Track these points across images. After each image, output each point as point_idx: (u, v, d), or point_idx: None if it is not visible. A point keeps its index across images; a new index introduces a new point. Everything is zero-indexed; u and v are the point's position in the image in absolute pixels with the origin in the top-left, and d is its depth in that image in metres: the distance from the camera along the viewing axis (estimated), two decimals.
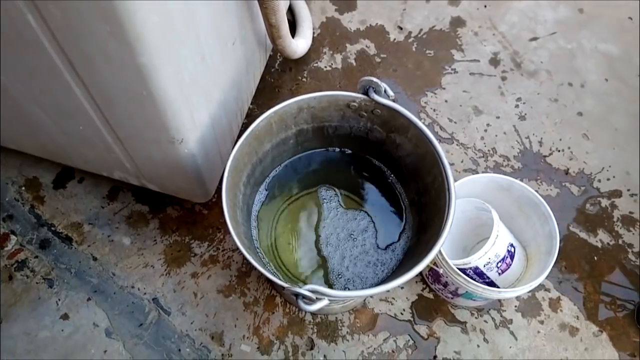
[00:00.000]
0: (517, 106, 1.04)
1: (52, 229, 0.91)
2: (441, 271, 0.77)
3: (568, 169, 0.99)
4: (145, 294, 0.87)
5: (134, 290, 0.87)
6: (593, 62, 1.09)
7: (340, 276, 0.73)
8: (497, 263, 0.79)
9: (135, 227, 0.92)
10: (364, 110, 0.72)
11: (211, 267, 0.89)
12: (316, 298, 0.57)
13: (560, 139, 1.01)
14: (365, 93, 0.70)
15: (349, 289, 0.72)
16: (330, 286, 0.72)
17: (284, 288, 0.58)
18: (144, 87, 0.54)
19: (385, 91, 0.68)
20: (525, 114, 1.03)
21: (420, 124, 0.68)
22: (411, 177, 0.75)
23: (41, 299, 0.85)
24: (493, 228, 0.77)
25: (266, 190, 0.78)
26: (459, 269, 0.77)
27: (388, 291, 0.89)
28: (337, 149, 0.81)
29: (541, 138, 1.01)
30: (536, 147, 1.01)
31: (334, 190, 0.79)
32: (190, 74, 0.61)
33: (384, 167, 0.80)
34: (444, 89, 1.06)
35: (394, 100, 0.68)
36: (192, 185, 0.78)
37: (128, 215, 0.93)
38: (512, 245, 0.81)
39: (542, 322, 0.88)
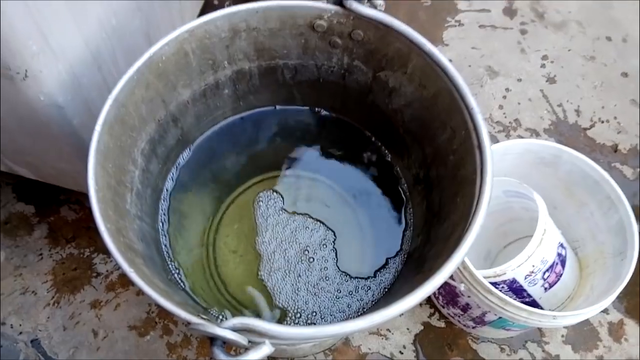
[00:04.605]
0: (543, 66, 0.80)
1: None
2: (462, 288, 0.50)
3: (617, 145, 0.75)
4: (20, 333, 0.59)
5: (5, 329, 0.59)
6: (633, 11, 0.86)
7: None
8: (544, 273, 0.52)
9: (13, 236, 0.64)
10: (337, 33, 0.46)
11: (121, 292, 0.61)
12: (249, 343, 0.30)
13: (603, 107, 0.77)
14: (339, 3, 0.43)
15: (313, 323, 0.44)
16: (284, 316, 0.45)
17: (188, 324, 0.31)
18: None
19: None
20: (555, 76, 0.79)
21: (428, 44, 0.42)
22: (413, 141, 0.49)
23: None
24: (539, 220, 0.50)
25: (189, 169, 0.50)
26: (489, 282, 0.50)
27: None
28: (302, 107, 0.54)
29: (578, 106, 0.77)
30: (572, 117, 0.76)
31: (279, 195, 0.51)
32: None
33: (371, 133, 0.53)
34: (446, 45, 0.81)
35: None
36: (73, 163, 0.51)
37: (4, 219, 0.65)
38: (562, 245, 0.54)
39: (601, 358, 0.62)
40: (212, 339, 0.30)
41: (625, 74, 0.80)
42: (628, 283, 0.63)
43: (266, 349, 0.30)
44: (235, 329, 0.29)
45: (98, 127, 0.37)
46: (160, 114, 0.45)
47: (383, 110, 0.50)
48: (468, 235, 0.35)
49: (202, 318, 0.30)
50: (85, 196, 0.63)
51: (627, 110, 0.77)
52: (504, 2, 0.84)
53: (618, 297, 0.65)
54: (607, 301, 0.49)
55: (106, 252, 0.63)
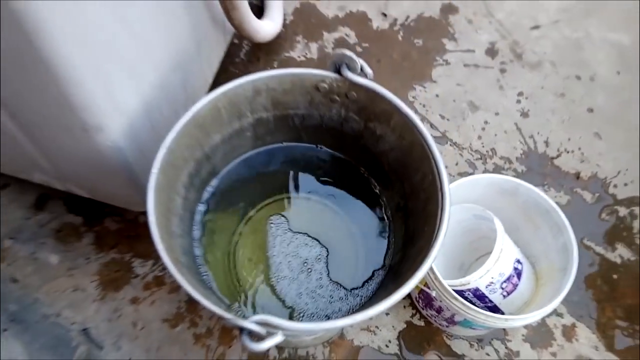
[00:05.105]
0: (518, 101, 0.91)
1: None
2: (434, 294, 0.63)
3: (579, 173, 0.85)
4: (73, 323, 0.71)
5: (60, 319, 0.71)
6: (602, 53, 0.96)
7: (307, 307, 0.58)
8: (502, 283, 0.64)
9: (65, 243, 0.76)
10: (336, 93, 0.58)
11: (155, 290, 0.73)
12: (267, 333, 0.42)
13: (569, 139, 0.88)
14: (338, 71, 0.56)
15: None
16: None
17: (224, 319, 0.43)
18: (29, 45, 0.40)
19: (362, 69, 0.54)
20: (529, 111, 0.90)
21: (405, 107, 0.54)
22: (395, 177, 0.61)
23: None
24: (497, 240, 0.62)
25: (217, 195, 0.63)
26: (455, 290, 0.62)
27: (371, 319, 0.73)
28: (307, 145, 0.67)
29: (547, 137, 0.88)
30: (542, 147, 0.87)
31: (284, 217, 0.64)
32: (105, 39, 0.47)
33: (363, 168, 0.65)
34: (434, 82, 0.92)
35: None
36: (124, 188, 0.63)
37: (57, 228, 0.77)
38: (519, 261, 0.66)
39: (554, 355, 0.73)
40: (241, 330, 0.43)
41: (590, 110, 0.91)
42: (582, 292, 0.76)
43: (279, 337, 0.42)
44: (258, 323, 0.42)
45: (155, 170, 0.50)
46: (197, 154, 0.57)
47: (372, 152, 0.62)
48: (430, 256, 0.47)
49: (234, 315, 0.43)
50: (124, 210, 0.76)
51: (590, 142, 0.88)
52: (487, 43, 0.96)
53: (572, 304, 0.77)
54: (549, 309, 0.60)
55: (143, 256, 0.76)
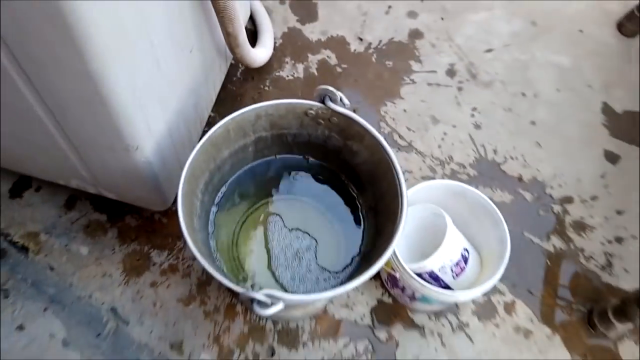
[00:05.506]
0: (472, 115, 1.08)
1: (8, 238, 0.89)
2: (398, 275, 0.79)
3: (521, 176, 1.02)
4: (103, 303, 0.86)
5: (91, 300, 0.86)
6: (545, 73, 1.14)
7: (299, 283, 0.74)
8: (452, 267, 0.81)
9: (93, 236, 0.90)
10: (321, 118, 0.74)
11: (171, 276, 0.88)
12: (271, 303, 0.58)
13: (514, 147, 1.05)
14: (322, 101, 0.71)
15: None
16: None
17: (239, 294, 0.59)
18: (95, 92, 0.54)
19: (341, 99, 0.70)
20: (481, 123, 1.07)
21: (374, 131, 0.69)
22: (368, 184, 0.77)
23: None
24: (446, 233, 0.79)
25: (224, 197, 0.78)
26: (415, 273, 0.78)
27: (348, 296, 0.90)
28: (298, 156, 0.82)
29: (496, 146, 1.05)
30: (491, 155, 1.04)
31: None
32: (144, 80, 0.61)
33: (344, 175, 0.81)
34: (402, 99, 1.08)
35: (354, 110, 0.70)
36: (150, 193, 0.78)
37: (86, 224, 0.91)
38: (466, 249, 0.83)
39: (497, 326, 0.90)
40: (252, 300, 0.58)
41: (533, 122, 1.08)
42: (519, 275, 0.92)
43: (280, 305, 0.58)
44: (266, 295, 0.57)
45: (182, 180, 0.65)
46: (211, 166, 0.73)
47: (350, 163, 0.78)
48: (391, 245, 0.63)
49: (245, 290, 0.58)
50: (142, 209, 0.91)
51: (532, 150, 1.05)
52: (447, 65, 1.13)
53: (513, 285, 0.94)
54: (486, 287, 0.77)
55: (159, 248, 0.91)
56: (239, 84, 1.06)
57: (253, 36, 1.07)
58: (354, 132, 0.73)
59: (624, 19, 1.23)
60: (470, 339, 0.88)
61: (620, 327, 0.86)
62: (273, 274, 0.75)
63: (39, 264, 0.87)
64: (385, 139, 0.69)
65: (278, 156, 0.82)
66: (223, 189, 0.78)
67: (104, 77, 0.53)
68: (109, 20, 0.49)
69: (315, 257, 0.76)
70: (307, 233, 0.78)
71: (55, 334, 0.83)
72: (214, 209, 0.77)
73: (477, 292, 0.77)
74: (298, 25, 1.14)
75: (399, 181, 0.67)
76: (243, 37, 0.80)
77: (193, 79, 0.79)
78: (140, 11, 0.55)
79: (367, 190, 0.78)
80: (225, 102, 1.02)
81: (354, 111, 0.71)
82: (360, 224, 0.79)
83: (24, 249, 0.88)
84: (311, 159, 0.82)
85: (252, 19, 1.07)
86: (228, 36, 0.78)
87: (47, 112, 0.61)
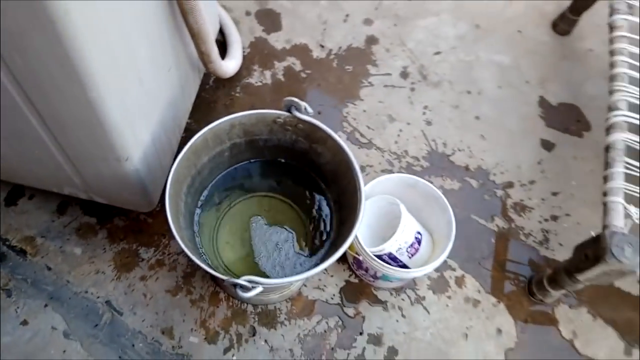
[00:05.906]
0: (424, 113, 1.20)
1: (7, 243, 0.97)
2: (361, 258, 0.91)
3: (468, 166, 1.15)
4: (98, 297, 0.95)
5: (87, 295, 0.95)
6: (488, 72, 1.27)
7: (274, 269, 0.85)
8: (407, 248, 0.93)
9: (85, 238, 0.99)
10: (288, 125, 0.84)
11: (158, 270, 0.98)
12: (252, 287, 0.68)
13: (461, 140, 1.18)
14: (289, 110, 0.82)
15: None
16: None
17: (224, 281, 0.69)
18: (93, 115, 0.64)
19: (305, 109, 0.81)
20: (431, 120, 1.19)
21: (335, 135, 0.81)
22: (332, 181, 0.88)
23: (1, 308, 0.91)
24: (401, 219, 0.91)
25: (205, 198, 0.88)
26: (375, 255, 0.90)
27: (319, 280, 1.01)
28: (269, 159, 0.93)
29: (445, 140, 1.17)
30: (441, 148, 1.17)
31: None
32: (132, 101, 0.71)
33: (313, 173, 0.92)
34: (362, 100, 1.19)
35: (318, 112, 0.81)
36: (137, 196, 0.87)
37: (77, 227, 1.00)
38: (419, 232, 0.96)
39: (449, 297, 1.03)
40: (234, 285, 0.69)
41: (477, 117, 1.21)
42: (467, 252, 1.05)
43: (259, 289, 0.68)
44: (247, 280, 0.68)
45: (168, 186, 0.74)
46: (192, 172, 0.82)
47: (316, 163, 0.89)
48: (352, 232, 0.74)
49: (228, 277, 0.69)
50: (129, 211, 1.00)
51: (477, 142, 1.18)
52: (401, 68, 1.24)
53: (462, 261, 1.07)
54: (435, 264, 0.89)
55: (146, 245, 1.00)
56: (211, 92, 1.15)
57: (222, 47, 1.16)
58: (318, 136, 0.84)
59: (558, 19, 1.36)
60: (427, 310, 1.01)
61: (555, 294, 1.00)
62: (257, 264, 0.85)
63: (37, 265, 0.96)
64: (347, 137, 0.81)
65: (252, 160, 0.92)
66: (205, 192, 0.88)
67: (101, 103, 0.62)
68: (106, 57, 0.58)
69: (292, 246, 0.87)
70: (284, 227, 0.89)
71: (57, 326, 0.92)
72: (197, 210, 0.87)
73: (429, 269, 0.90)
74: (264, 35, 1.24)
75: (357, 179, 0.78)
76: (215, 54, 0.90)
77: (172, 93, 0.88)
78: (131, 47, 0.65)
79: (331, 186, 0.89)
80: (200, 109, 1.11)
81: (319, 113, 0.82)
82: (328, 215, 0.90)
83: (22, 252, 0.97)
84: (282, 161, 0.93)
85: (221, 32, 1.16)
86: (201, 54, 0.87)
87: (47, 132, 0.69)
